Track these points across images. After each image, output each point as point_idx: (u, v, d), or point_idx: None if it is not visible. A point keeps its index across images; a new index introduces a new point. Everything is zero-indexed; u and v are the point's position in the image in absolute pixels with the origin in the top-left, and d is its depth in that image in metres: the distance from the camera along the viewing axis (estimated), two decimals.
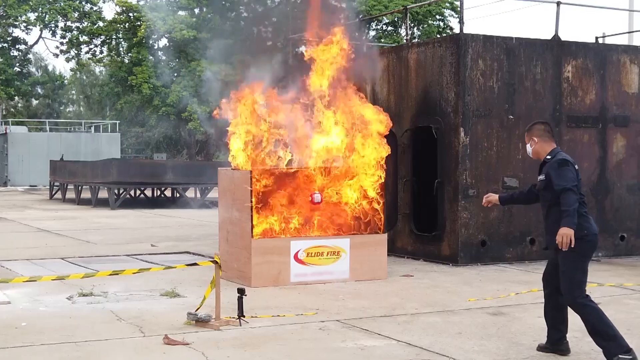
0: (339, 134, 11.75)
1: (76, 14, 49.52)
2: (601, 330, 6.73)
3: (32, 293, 10.03)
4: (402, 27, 45.37)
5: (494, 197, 7.66)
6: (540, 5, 22.30)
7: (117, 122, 52.48)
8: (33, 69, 65.67)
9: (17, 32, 52.47)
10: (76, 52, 51.32)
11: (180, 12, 47.25)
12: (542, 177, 7.13)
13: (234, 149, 11.76)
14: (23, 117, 66.18)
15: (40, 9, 49.01)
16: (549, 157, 7.19)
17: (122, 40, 49.38)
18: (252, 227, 10.87)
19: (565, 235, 6.72)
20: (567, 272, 6.89)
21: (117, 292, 10.10)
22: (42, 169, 38.78)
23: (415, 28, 46.11)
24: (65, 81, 73.29)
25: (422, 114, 13.83)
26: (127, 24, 47.77)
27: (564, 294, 6.96)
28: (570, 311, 7.12)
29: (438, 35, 42.70)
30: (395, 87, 14.39)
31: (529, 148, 7.38)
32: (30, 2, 48.60)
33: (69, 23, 50.37)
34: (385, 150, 11.69)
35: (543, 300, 7.41)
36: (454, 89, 13.15)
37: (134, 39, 46.25)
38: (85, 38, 50.37)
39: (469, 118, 13.08)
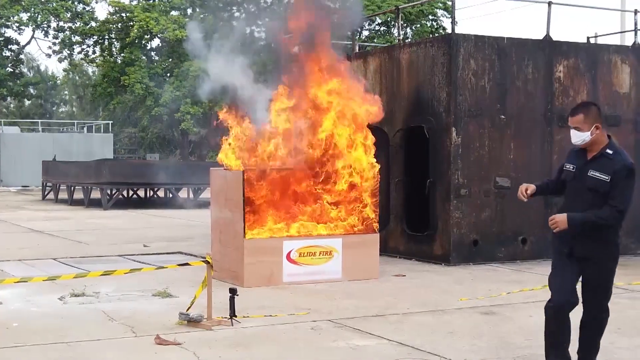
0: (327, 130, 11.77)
1: (68, 14, 49.40)
2: (599, 343, 6.40)
3: (23, 293, 10.02)
4: (395, 27, 45.41)
5: (532, 187, 6.34)
6: (531, 6, 22.33)
7: (110, 122, 52.42)
8: (25, 70, 65.54)
9: (9, 33, 52.35)
10: (69, 52, 51.22)
11: (173, 12, 47.21)
12: (603, 177, 5.97)
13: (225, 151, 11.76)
14: (15, 117, 66.07)
15: (32, 9, 48.87)
16: (609, 151, 6.07)
17: (114, 40, 49.31)
18: (245, 227, 10.87)
19: (561, 223, 5.98)
20: (606, 284, 6.25)
21: (108, 293, 10.10)
22: (35, 170, 38.69)
23: (408, 28, 46.16)
24: (58, 81, 73.26)
25: (414, 114, 13.85)
26: (120, 24, 47.71)
27: (595, 305, 6.23)
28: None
29: (430, 35, 42.74)
30: (387, 87, 14.41)
31: (586, 136, 6.07)
32: (23, 3, 48.47)
33: (61, 23, 50.25)
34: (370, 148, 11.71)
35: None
36: (446, 88, 13.17)
37: (127, 39, 46.18)
38: (77, 38, 50.25)
39: (460, 118, 13.10)
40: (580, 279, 6.24)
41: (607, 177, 5.97)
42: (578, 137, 6.12)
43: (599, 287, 6.22)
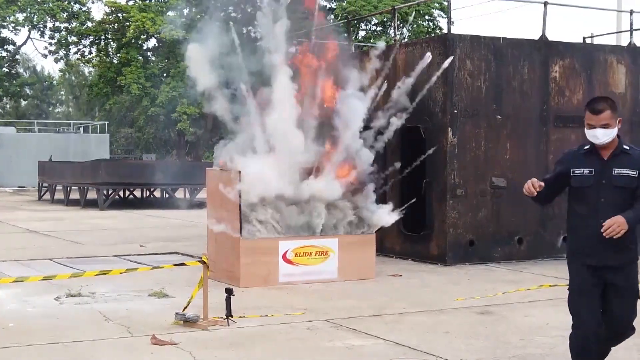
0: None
1: (65, 15, 49.32)
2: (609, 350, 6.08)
3: (19, 294, 10.02)
4: (391, 28, 45.44)
5: (542, 184, 5.68)
6: (528, 6, 22.43)
7: (106, 122, 52.36)
8: (21, 70, 65.45)
9: (5, 33, 52.30)
10: (65, 52, 51.15)
11: (170, 13, 47.17)
12: (631, 172, 5.55)
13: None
14: (12, 117, 65.98)
15: (28, 9, 48.80)
16: (626, 147, 5.68)
17: (111, 40, 49.25)
18: (241, 227, 10.87)
19: (623, 225, 5.37)
20: (635, 296, 5.73)
21: (105, 293, 10.09)
22: (31, 170, 38.64)
23: (404, 28, 46.16)
24: (54, 82, 73.17)
25: (410, 114, 13.83)
26: (116, 24, 47.65)
27: (627, 322, 5.76)
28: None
29: (427, 36, 42.76)
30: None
31: (614, 132, 5.65)
32: (19, 3, 48.40)
33: (57, 23, 50.17)
34: None
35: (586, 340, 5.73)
36: (442, 89, 13.18)
37: (123, 40, 46.14)
38: (74, 38, 50.17)
39: (456, 118, 13.11)
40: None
41: (634, 172, 5.56)
42: (607, 135, 5.60)
43: (627, 300, 5.70)
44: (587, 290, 5.65)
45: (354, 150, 11.74)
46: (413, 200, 13.15)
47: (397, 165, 14.06)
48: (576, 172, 5.68)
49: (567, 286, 5.85)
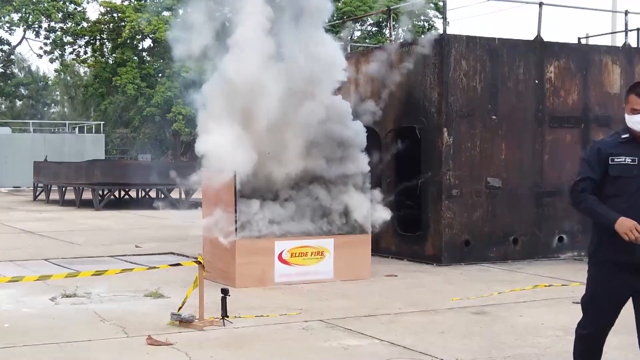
0: None
1: (60, 15, 49.28)
2: None
3: (15, 294, 10.00)
4: (387, 28, 45.46)
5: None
6: (523, 7, 22.45)
7: (102, 123, 52.29)
8: (16, 70, 65.34)
9: (0, 33, 52.27)
10: (60, 52, 51.08)
11: (165, 13, 47.15)
12: None
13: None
14: (7, 118, 65.77)
15: (23, 9, 48.74)
16: None
17: (106, 40, 49.21)
18: (237, 227, 10.86)
19: None
20: None
21: (100, 293, 10.08)
22: (26, 170, 38.56)
23: (399, 28, 46.20)
24: (49, 82, 73.05)
25: (405, 114, 13.87)
26: (112, 24, 47.62)
27: None
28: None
29: (422, 36, 42.79)
30: (379, 88, 14.40)
31: None
32: (14, 3, 48.34)
33: (52, 24, 50.12)
34: None
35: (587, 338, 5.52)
36: (438, 89, 13.20)
37: (119, 40, 46.11)
38: (69, 39, 50.14)
39: (452, 118, 13.13)
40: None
41: None
42: None
43: None
44: (608, 291, 5.28)
45: (335, 109, 11.57)
46: (400, 188, 13.21)
47: (392, 165, 14.11)
48: (616, 159, 5.24)
49: (585, 284, 5.53)
